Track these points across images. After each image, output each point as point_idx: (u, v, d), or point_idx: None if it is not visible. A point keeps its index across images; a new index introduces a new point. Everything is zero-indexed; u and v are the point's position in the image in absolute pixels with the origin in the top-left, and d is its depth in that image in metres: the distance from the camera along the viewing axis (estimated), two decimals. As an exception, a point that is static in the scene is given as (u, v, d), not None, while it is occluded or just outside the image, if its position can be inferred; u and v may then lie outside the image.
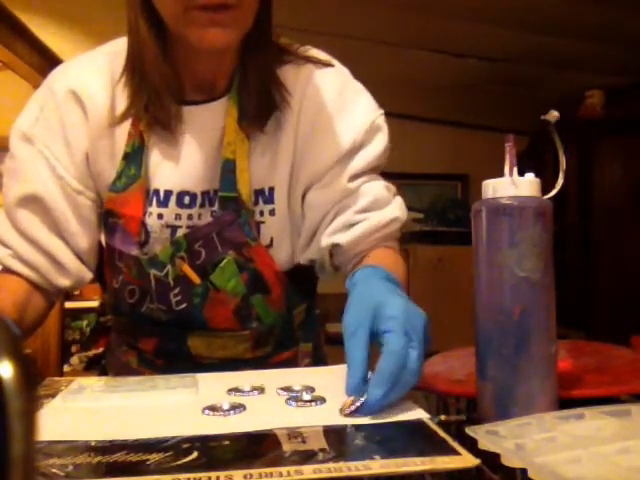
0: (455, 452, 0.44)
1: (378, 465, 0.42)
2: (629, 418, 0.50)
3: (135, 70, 0.77)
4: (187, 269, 0.81)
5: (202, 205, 0.81)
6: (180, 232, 0.81)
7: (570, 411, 0.51)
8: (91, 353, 5.03)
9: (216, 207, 0.81)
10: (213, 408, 0.56)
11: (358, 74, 0.94)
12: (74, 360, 4.95)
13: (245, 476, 0.40)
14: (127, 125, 0.79)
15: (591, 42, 3.07)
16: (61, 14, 3.40)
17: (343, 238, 0.82)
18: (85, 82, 0.79)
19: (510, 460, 0.42)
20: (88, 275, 0.85)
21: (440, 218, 3.46)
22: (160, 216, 0.81)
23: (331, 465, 0.42)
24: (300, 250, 0.86)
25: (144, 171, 0.79)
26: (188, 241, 0.80)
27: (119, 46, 0.81)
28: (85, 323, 4.92)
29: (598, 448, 0.43)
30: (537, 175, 0.57)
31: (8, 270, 0.82)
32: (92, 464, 0.44)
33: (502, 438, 0.47)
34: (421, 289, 2.95)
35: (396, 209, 0.85)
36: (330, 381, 0.69)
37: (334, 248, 0.84)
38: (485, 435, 0.47)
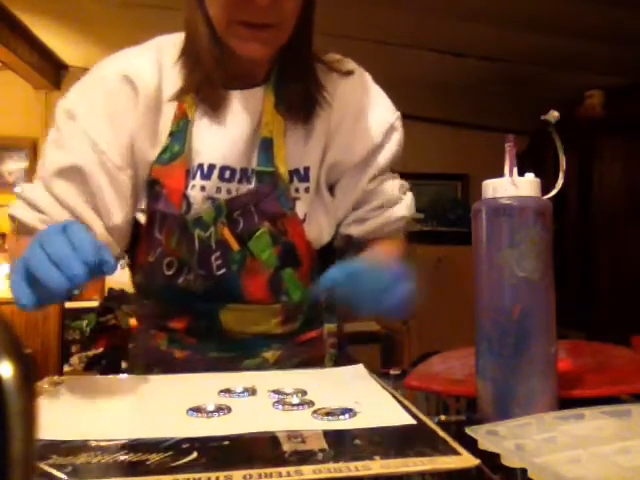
0: (455, 452, 0.44)
1: (378, 465, 0.42)
2: (629, 418, 0.50)
3: (191, 56, 0.85)
4: (227, 234, 0.86)
5: (240, 181, 0.87)
6: (220, 201, 0.86)
7: (570, 411, 0.51)
8: (91, 353, 5.03)
9: (253, 184, 0.87)
10: (197, 409, 0.56)
11: (358, 74, 0.95)
12: (74, 360, 4.94)
13: (245, 476, 0.40)
14: (172, 108, 0.86)
15: (591, 42, 3.06)
16: (61, 14, 3.39)
17: (356, 231, 0.95)
18: (135, 65, 0.85)
19: (510, 460, 0.42)
20: (116, 250, 0.87)
21: (440, 218, 3.47)
22: (203, 188, 0.86)
23: (331, 465, 0.41)
24: (334, 234, 0.96)
25: (187, 148, 0.85)
26: (228, 208, 0.85)
27: (163, 40, 0.89)
28: (85, 323, 4.92)
29: (598, 448, 0.43)
30: (537, 175, 0.57)
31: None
32: (92, 464, 0.43)
33: (502, 438, 0.47)
34: (421, 289, 2.94)
35: (404, 208, 0.96)
36: (324, 384, 0.69)
37: (348, 237, 0.96)
38: (485, 435, 0.47)
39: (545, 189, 0.57)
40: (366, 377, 0.73)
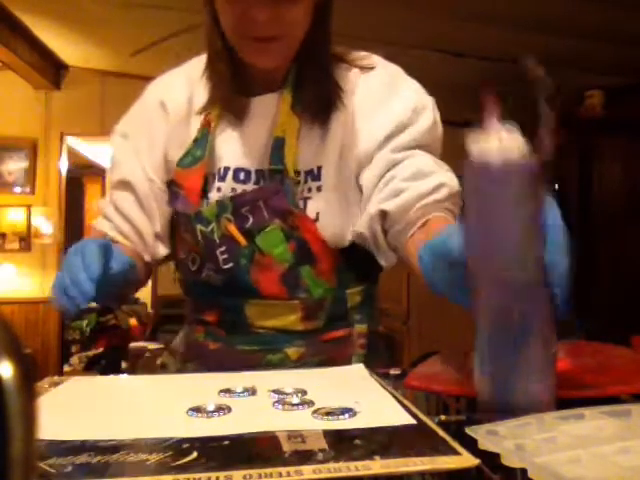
0: (455, 452, 0.44)
1: (378, 465, 0.42)
2: (629, 418, 0.50)
3: (212, 70, 0.92)
4: (233, 229, 0.88)
5: (256, 182, 0.90)
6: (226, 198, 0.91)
7: (570, 411, 0.51)
8: (91, 353, 5.04)
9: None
10: (197, 409, 0.56)
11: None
12: (74, 360, 4.95)
13: (245, 476, 0.40)
14: (200, 118, 0.93)
15: (591, 42, 3.07)
16: (61, 14, 3.39)
17: (390, 205, 0.83)
18: (168, 88, 0.98)
19: (510, 460, 0.42)
20: (162, 251, 0.98)
21: (440, 218, 3.46)
22: (219, 189, 0.91)
23: (331, 465, 0.41)
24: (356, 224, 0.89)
25: (208, 153, 0.91)
26: (234, 204, 0.88)
27: (197, 58, 0.98)
28: (85, 323, 4.93)
29: (598, 448, 0.43)
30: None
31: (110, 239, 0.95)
32: (92, 464, 0.43)
33: (502, 438, 0.47)
34: (421, 289, 2.94)
35: (442, 177, 0.84)
36: (324, 384, 0.69)
37: (384, 217, 0.85)
38: (485, 435, 0.47)
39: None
40: (366, 377, 0.73)
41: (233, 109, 0.92)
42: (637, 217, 3.34)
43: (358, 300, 0.96)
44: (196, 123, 0.94)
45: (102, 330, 5.00)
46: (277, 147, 0.89)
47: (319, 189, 0.89)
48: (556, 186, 3.66)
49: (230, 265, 0.89)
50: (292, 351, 0.91)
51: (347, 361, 0.91)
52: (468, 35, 3.08)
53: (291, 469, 0.41)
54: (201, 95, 0.94)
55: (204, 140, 0.92)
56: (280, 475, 0.40)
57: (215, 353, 0.94)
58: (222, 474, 0.40)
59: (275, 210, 0.87)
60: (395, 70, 0.95)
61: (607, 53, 3.18)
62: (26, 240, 4.47)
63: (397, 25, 2.99)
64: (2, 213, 4.47)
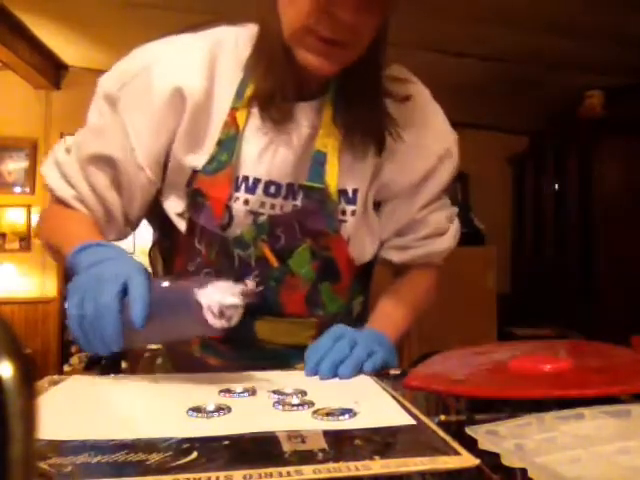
0: (455, 452, 0.44)
1: (378, 465, 0.42)
2: (629, 418, 0.50)
3: (263, 61, 0.81)
4: (267, 251, 0.85)
5: (285, 197, 0.86)
6: (262, 219, 0.85)
7: (570, 411, 0.51)
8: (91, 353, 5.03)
9: (299, 200, 0.85)
10: (197, 409, 0.56)
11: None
12: (74, 360, 4.95)
13: (245, 476, 0.40)
14: (222, 114, 0.83)
15: (591, 42, 3.06)
16: (61, 14, 3.39)
17: (396, 257, 0.95)
18: (185, 71, 0.82)
19: (510, 460, 0.42)
20: (129, 233, 0.91)
21: (440, 218, 3.46)
22: (246, 202, 0.84)
23: (331, 465, 0.41)
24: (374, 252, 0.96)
25: (235, 159, 0.83)
26: (271, 225, 0.84)
27: (223, 35, 0.85)
28: (85, 323, 4.89)
29: (598, 448, 0.43)
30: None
31: (69, 207, 0.86)
32: (92, 464, 0.43)
33: (502, 438, 0.47)
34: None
35: (449, 239, 0.95)
36: (324, 384, 0.69)
37: (387, 261, 0.97)
38: (485, 435, 0.47)
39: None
40: (366, 377, 0.73)
41: (275, 114, 0.82)
42: (637, 217, 3.34)
43: (359, 310, 0.96)
44: (217, 119, 0.83)
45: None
46: (318, 162, 0.84)
47: (353, 213, 0.87)
48: (556, 186, 3.66)
49: (260, 288, 0.85)
50: (301, 366, 0.89)
51: None
52: (468, 35, 3.08)
53: (291, 469, 0.41)
54: (225, 86, 0.83)
55: (231, 143, 0.83)
56: (280, 475, 0.40)
57: (217, 369, 0.90)
58: (222, 474, 0.40)
59: (309, 230, 0.85)
60: (426, 101, 0.94)
61: (607, 53, 3.17)
62: (26, 240, 4.46)
63: (397, 25, 2.99)
64: (2, 213, 4.47)
